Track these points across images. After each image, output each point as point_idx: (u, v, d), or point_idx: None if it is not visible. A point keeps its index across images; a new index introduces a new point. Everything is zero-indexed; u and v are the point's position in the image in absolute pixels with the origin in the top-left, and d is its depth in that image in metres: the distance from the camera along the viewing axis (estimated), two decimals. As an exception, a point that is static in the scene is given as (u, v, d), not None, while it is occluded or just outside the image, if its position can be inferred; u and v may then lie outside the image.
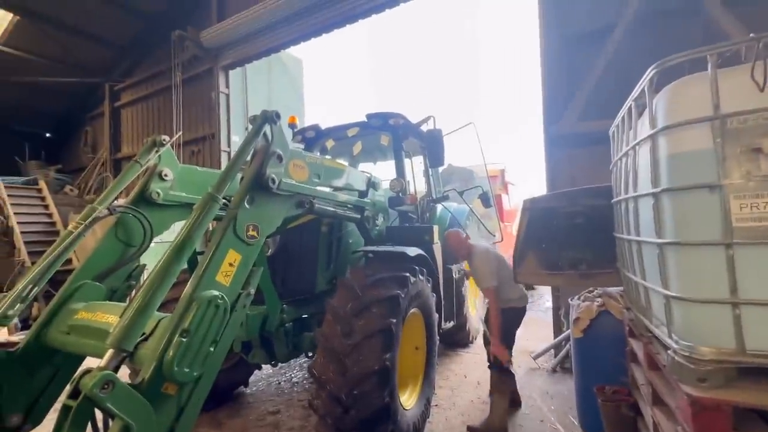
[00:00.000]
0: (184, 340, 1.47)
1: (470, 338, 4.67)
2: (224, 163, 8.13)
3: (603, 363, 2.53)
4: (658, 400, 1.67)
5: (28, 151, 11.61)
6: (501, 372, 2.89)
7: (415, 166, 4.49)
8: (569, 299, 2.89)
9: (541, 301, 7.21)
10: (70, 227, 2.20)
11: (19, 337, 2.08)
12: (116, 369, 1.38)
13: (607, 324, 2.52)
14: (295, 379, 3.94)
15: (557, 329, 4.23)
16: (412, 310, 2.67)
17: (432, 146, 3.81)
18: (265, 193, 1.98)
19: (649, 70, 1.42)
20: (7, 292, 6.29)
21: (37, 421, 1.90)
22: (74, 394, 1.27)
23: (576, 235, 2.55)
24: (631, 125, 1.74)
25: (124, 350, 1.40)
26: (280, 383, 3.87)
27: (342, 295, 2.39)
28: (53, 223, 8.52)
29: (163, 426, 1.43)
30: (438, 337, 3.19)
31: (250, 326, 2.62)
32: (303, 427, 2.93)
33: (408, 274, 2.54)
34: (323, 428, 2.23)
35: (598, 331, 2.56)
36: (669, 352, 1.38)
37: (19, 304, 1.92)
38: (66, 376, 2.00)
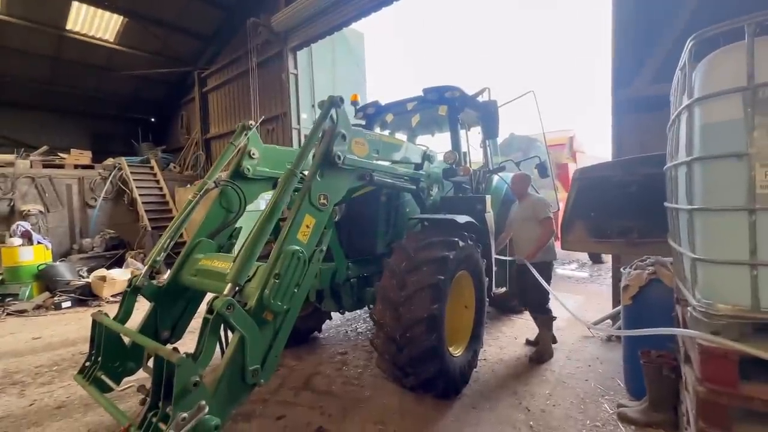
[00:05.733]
0: (276, 281, 1.98)
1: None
2: (295, 140, 8.89)
3: (650, 328, 2.58)
4: (688, 357, 1.78)
5: (141, 135, 13.76)
6: (545, 314, 3.53)
7: (473, 137, 4.58)
8: (621, 268, 2.92)
9: (609, 275, 6.89)
10: (189, 197, 2.86)
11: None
12: (233, 297, 1.92)
13: (657, 291, 2.54)
14: (360, 330, 4.54)
15: (616, 300, 4.17)
16: (461, 272, 2.95)
17: (487, 118, 3.88)
18: (333, 168, 2.37)
19: (688, 41, 1.45)
20: (136, 250, 7.86)
21: (179, 337, 2.64)
22: (210, 311, 1.83)
23: (628, 204, 2.56)
24: (679, 94, 1.75)
25: (238, 284, 1.93)
26: (347, 332, 4.49)
27: (398, 255, 2.76)
28: (163, 195, 10.23)
29: (265, 340, 1.96)
30: (488, 300, 3.44)
31: (323, 278, 3.16)
32: (366, 366, 3.48)
33: (457, 239, 2.81)
34: (382, 363, 2.70)
35: (647, 298, 2.60)
36: (689, 308, 1.50)
37: (163, 253, 2.62)
38: (194, 307, 2.71)
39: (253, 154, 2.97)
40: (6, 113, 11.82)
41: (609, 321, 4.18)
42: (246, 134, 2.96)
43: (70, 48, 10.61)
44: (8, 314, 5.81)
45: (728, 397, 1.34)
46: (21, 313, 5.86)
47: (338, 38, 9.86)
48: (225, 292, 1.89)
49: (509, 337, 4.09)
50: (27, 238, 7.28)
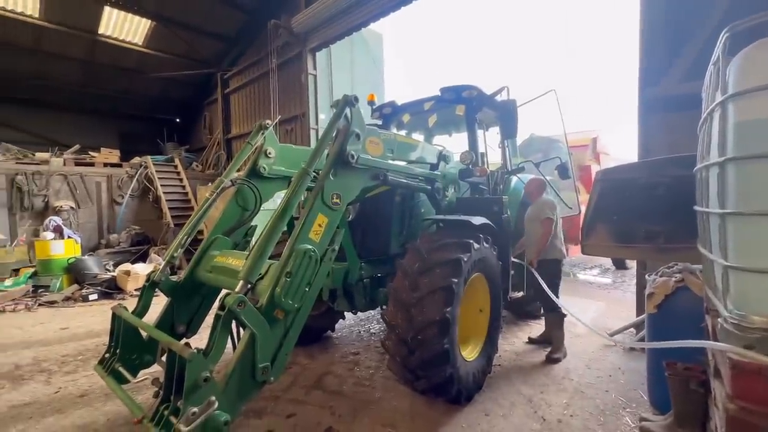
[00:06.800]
0: (288, 279, 1.98)
1: (541, 311, 4.66)
2: (313, 140, 8.98)
3: (677, 339, 2.45)
4: (718, 372, 1.66)
5: (166, 135, 14.24)
6: (555, 313, 3.59)
7: (492, 138, 4.49)
8: (646, 275, 2.78)
9: (633, 282, 6.62)
10: (206, 195, 2.91)
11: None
12: (245, 295, 1.93)
13: (684, 300, 2.40)
14: (372, 330, 4.52)
15: (640, 308, 3.99)
16: (476, 274, 2.88)
17: (505, 117, 3.79)
18: (346, 167, 2.36)
19: (722, 33, 1.36)
20: (159, 246, 8.09)
21: (194, 332, 2.69)
22: (221, 308, 1.85)
23: (655, 207, 2.43)
24: (711, 91, 1.64)
25: (250, 282, 1.94)
26: (360, 332, 4.48)
27: (411, 256, 2.72)
28: (186, 193, 10.52)
29: (275, 339, 1.97)
30: (504, 303, 3.36)
31: (335, 277, 3.15)
32: (378, 367, 3.45)
33: (471, 241, 2.74)
34: (393, 365, 2.67)
35: (673, 307, 2.46)
36: (719, 320, 1.40)
37: (180, 249, 2.68)
38: (209, 302, 2.76)
39: (270, 153, 2.98)
40: (44, 114, 12.48)
41: (632, 330, 4.01)
42: (263, 133, 2.99)
43: (102, 52, 11.09)
44: (40, 305, 6.11)
45: (761, 417, 1.24)
46: (51, 304, 6.15)
47: (357, 39, 9.91)
48: (237, 289, 1.90)
49: (525, 343, 3.97)
50: (58, 232, 7.64)
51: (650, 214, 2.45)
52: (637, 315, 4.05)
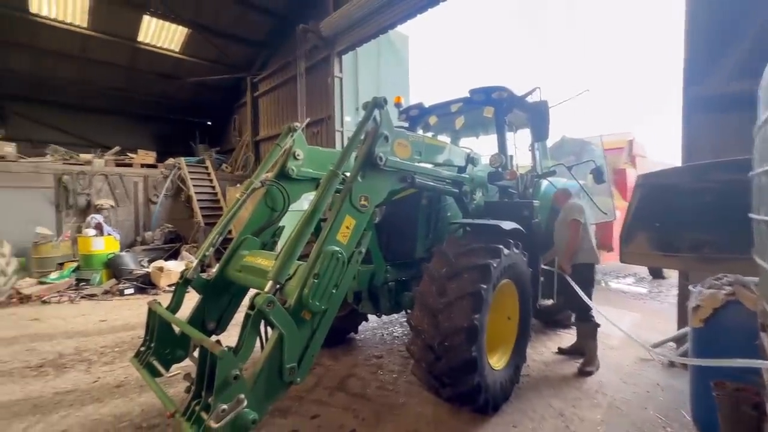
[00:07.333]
0: (315, 281, 1.98)
1: (571, 320, 4.48)
2: (338, 142, 9.06)
3: (726, 356, 2.27)
4: (778, 395, 1.52)
5: (198, 137, 14.80)
6: (589, 322, 3.46)
7: (521, 140, 4.37)
8: (690, 286, 2.60)
9: (671, 293, 6.26)
10: (237, 195, 2.98)
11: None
12: (274, 295, 1.95)
13: (735, 315, 2.23)
14: (396, 334, 4.48)
15: (682, 321, 3.75)
16: (505, 281, 2.79)
17: (536, 119, 3.68)
18: (375, 169, 2.35)
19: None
20: (190, 244, 8.36)
21: (223, 329, 2.75)
22: (251, 308, 1.87)
23: (702, 215, 2.28)
24: (773, 89, 1.51)
25: (279, 282, 1.96)
26: (383, 335, 4.46)
27: (438, 260, 2.68)
28: (216, 194, 10.88)
29: (302, 339, 1.97)
30: (533, 311, 3.24)
31: (361, 280, 3.15)
32: (402, 371, 3.41)
33: (501, 246, 2.67)
34: (418, 371, 2.62)
35: (723, 322, 2.29)
36: (782, 339, 1.28)
37: (211, 248, 2.75)
38: (238, 300, 2.81)
39: (298, 155, 3.02)
40: (88, 117, 13.29)
41: (672, 344, 3.77)
42: (292, 136, 3.03)
43: (141, 58, 11.68)
44: (82, 297, 6.47)
45: (835, 449, 1.12)
46: (92, 296, 6.51)
47: (383, 41, 9.93)
48: (266, 289, 1.92)
49: (555, 354, 3.82)
50: (99, 229, 8.08)
51: (696, 221, 2.29)
52: (678, 328, 3.81)
